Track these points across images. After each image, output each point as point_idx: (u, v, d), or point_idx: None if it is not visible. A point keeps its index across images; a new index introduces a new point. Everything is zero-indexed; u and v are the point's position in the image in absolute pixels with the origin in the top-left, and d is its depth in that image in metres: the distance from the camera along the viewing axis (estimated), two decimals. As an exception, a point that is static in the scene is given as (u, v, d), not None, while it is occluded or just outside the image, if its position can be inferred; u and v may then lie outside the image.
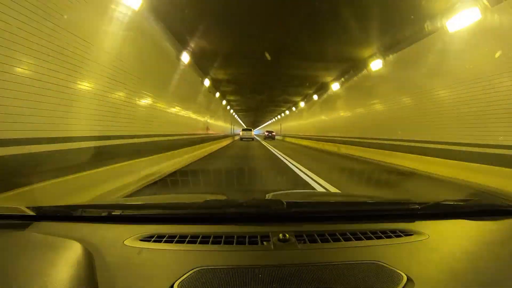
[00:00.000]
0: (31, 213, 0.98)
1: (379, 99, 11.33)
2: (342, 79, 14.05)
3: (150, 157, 5.48)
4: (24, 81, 3.43)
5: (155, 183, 4.69)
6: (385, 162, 8.95)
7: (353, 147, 12.24)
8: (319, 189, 4.67)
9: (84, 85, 4.65)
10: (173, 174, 5.46)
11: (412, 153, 8.00)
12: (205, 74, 14.52)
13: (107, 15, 5.08)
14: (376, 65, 10.10)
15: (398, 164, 8.20)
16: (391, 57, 9.38)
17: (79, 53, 4.37)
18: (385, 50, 9.41)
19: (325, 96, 18.60)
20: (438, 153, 7.23)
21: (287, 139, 30.12)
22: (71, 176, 3.05)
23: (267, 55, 9.93)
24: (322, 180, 5.31)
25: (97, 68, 4.93)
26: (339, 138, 14.87)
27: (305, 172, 6.49)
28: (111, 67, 5.47)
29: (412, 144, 8.61)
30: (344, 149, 12.91)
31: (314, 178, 5.58)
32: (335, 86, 14.97)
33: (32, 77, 3.57)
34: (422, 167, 7.18)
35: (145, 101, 7.58)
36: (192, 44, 9.36)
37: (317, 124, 21.30)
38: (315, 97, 20.41)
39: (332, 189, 4.61)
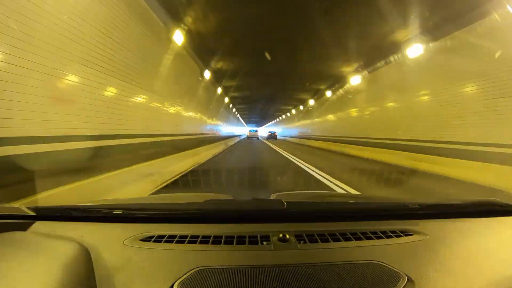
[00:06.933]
0: (31, 213, 0.98)
1: (358, 107, 14.40)
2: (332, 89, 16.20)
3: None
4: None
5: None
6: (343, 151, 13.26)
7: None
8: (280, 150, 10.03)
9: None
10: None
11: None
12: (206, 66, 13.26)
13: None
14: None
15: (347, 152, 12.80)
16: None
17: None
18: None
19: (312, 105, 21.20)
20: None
21: (289, 139, 30.87)
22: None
23: (267, 55, 9.92)
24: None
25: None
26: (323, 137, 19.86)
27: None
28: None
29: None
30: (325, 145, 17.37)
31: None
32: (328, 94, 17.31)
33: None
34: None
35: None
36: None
37: (313, 126, 23.87)
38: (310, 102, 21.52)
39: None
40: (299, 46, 9.66)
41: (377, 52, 9.72)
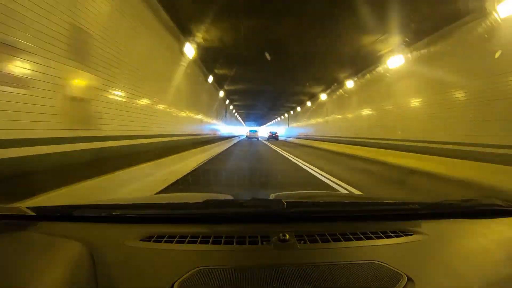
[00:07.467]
0: (31, 213, 0.98)
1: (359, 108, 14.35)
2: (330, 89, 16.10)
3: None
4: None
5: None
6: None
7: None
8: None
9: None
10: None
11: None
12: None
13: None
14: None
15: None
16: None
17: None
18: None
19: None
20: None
21: (291, 140, 30.27)
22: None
23: (267, 55, 9.90)
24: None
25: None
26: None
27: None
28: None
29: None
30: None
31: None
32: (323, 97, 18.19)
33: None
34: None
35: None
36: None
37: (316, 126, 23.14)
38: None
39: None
40: (309, 22, 7.84)
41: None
